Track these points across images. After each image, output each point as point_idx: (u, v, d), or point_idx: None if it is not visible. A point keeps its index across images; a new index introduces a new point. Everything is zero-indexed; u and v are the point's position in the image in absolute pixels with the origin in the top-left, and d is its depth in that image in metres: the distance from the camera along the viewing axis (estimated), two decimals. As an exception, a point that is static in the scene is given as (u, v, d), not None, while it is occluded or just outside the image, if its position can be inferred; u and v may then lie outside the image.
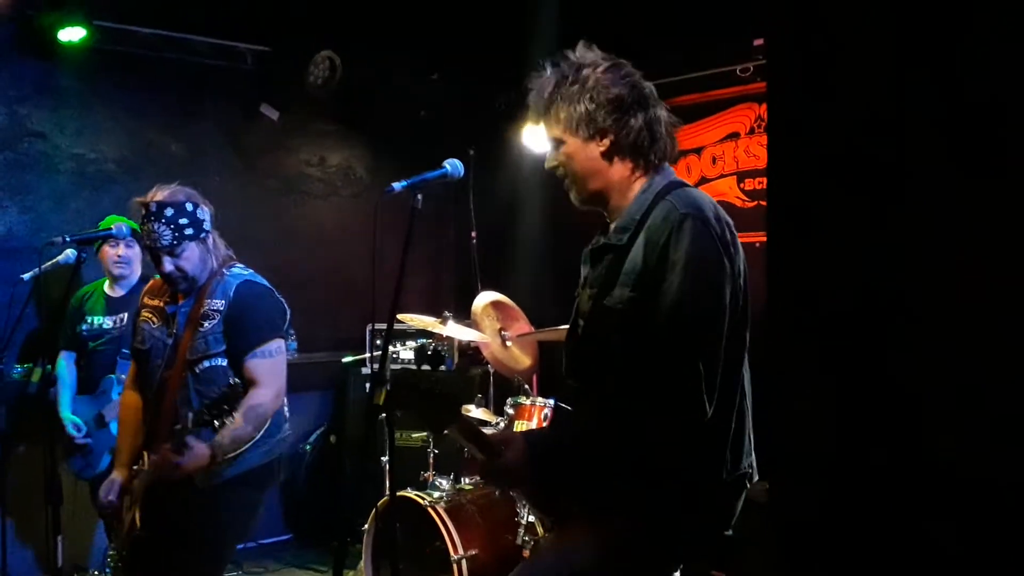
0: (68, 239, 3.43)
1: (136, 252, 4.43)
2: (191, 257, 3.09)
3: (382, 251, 2.63)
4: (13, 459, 4.53)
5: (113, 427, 4.16)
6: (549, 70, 2.38)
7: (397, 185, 2.59)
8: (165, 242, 3.04)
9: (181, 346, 3.09)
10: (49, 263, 4.28)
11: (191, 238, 3.08)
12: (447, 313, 4.71)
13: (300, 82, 5.88)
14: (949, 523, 1.51)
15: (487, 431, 2.51)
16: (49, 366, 3.33)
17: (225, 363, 3.08)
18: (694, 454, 2.22)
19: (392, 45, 6.06)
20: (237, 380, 2.98)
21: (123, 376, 4.22)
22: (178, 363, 3.07)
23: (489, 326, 4.78)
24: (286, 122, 6.19)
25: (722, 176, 5.45)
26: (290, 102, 6.11)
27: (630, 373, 2.20)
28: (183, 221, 3.07)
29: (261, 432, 3.10)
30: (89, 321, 4.43)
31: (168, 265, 3.07)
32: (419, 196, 2.61)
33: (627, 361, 2.21)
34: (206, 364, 3.06)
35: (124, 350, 4.20)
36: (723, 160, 5.45)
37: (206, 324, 3.08)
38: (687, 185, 2.36)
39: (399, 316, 4.57)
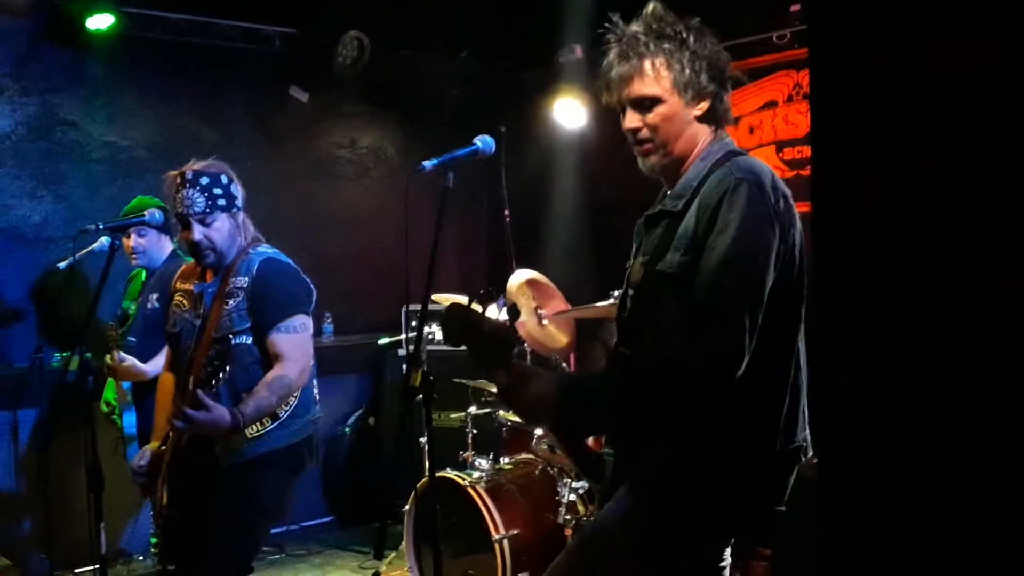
0: (101, 226, 3.43)
1: (150, 239, 4.30)
2: (221, 228, 3.08)
3: (415, 231, 2.58)
4: (57, 447, 4.56)
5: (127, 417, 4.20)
6: (635, 25, 2.29)
7: (428, 163, 2.55)
8: (198, 208, 3.04)
9: (208, 325, 3.09)
10: (84, 251, 4.29)
11: (223, 209, 3.08)
12: (482, 291, 4.65)
13: (329, 64, 5.86)
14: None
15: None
16: (88, 354, 3.33)
17: (250, 341, 3.07)
18: (745, 423, 2.17)
19: (420, 24, 6.00)
20: (247, 329, 3.03)
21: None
22: (204, 341, 3.07)
23: (525, 304, 4.73)
24: (315, 104, 6.17)
25: (760, 146, 5.35)
26: (319, 84, 6.09)
27: (666, 335, 2.16)
28: (217, 191, 3.07)
29: (286, 407, 3.09)
30: (125, 307, 4.44)
31: (198, 233, 3.06)
32: (450, 174, 2.57)
33: (676, 323, 2.15)
34: (232, 341, 3.05)
35: (131, 338, 4.16)
36: (761, 129, 5.35)
37: (231, 302, 3.07)
38: (745, 153, 2.31)
39: (433, 297, 4.53)
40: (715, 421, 2.16)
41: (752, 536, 2.31)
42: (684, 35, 2.25)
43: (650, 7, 2.30)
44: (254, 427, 3.03)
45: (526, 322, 4.80)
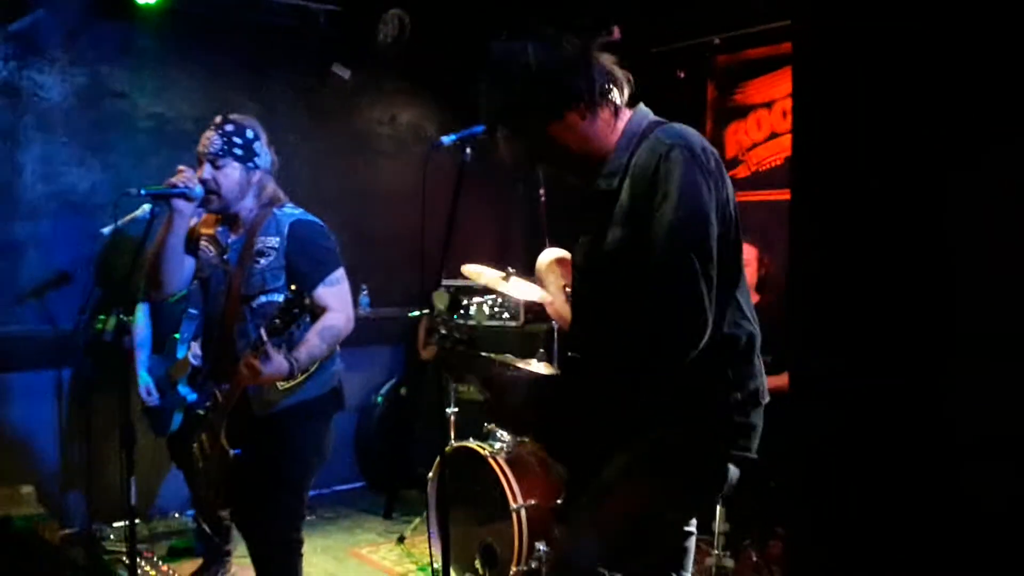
0: (143, 192, 3.51)
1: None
2: (230, 175, 3.22)
3: (447, 209, 2.65)
4: (96, 406, 4.74)
5: (181, 388, 4.33)
6: (484, 86, 2.38)
7: (446, 139, 2.63)
8: (213, 149, 3.20)
9: (234, 281, 3.23)
10: (127, 218, 4.44)
11: (236, 158, 3.22)
12: (511, 269, 4.74)
13: (371, 41, 5.96)
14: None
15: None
16: (125, 316, 3.47)
17: (281, 298, 3.19)
18: (702, 375, 2.25)
19: (461, 1, 6.08)
20: (293, 286, 3.09)
21: (186, 336, 4.36)
22: (233, 298, 3.21)
23: (554, 283, 4.77)
24: (357, 81, 6.30)
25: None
26: (361, 61, 6.21)
27: (630, 305, 2.22)
28: (236, 140, 3.23)
29: (334, 352, 3.28)
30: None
31: (207, 172, 3.21)
32: (468, 150, 2.64)
33: (627, 296, 2.23)
34: (263, 299, 3.21)
35: (191, 310, 4.32)
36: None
37: (262, 261, 3.22)
38: (665, 121, 2.36)
39: (463, 270, 4.63)
40: (684, 379, 2.25)
41: (730, 490, 2.40)
42: (522, 64, 2.28)
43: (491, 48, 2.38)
44: (285, 381, 3.19)
45: (555, 300, 4.87)
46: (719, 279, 2.20)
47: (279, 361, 3.04)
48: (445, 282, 6.16)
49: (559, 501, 2.55)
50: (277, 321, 2.97)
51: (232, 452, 3.16)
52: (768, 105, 5.49)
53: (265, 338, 2.98)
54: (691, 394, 2.27)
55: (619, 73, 2.37)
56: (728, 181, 2.29)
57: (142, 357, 4.59)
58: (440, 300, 2.44)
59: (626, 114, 2.38)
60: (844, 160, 1.54)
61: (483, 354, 2.55)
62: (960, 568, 1.47)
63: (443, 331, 2.43)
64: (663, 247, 2.17)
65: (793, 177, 1.69)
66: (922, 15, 1.43)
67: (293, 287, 3.08)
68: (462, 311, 5.80)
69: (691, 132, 2.30)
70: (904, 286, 1.53)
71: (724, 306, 2.26)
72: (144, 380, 4.55)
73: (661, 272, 2.18)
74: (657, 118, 2.39)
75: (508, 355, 4.55)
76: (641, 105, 2.42)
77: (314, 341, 3.17)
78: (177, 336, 4.44)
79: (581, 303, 2.48)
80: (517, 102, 2.31)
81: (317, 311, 3.23)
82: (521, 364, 4.19)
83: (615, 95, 2.36)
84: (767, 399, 2.38)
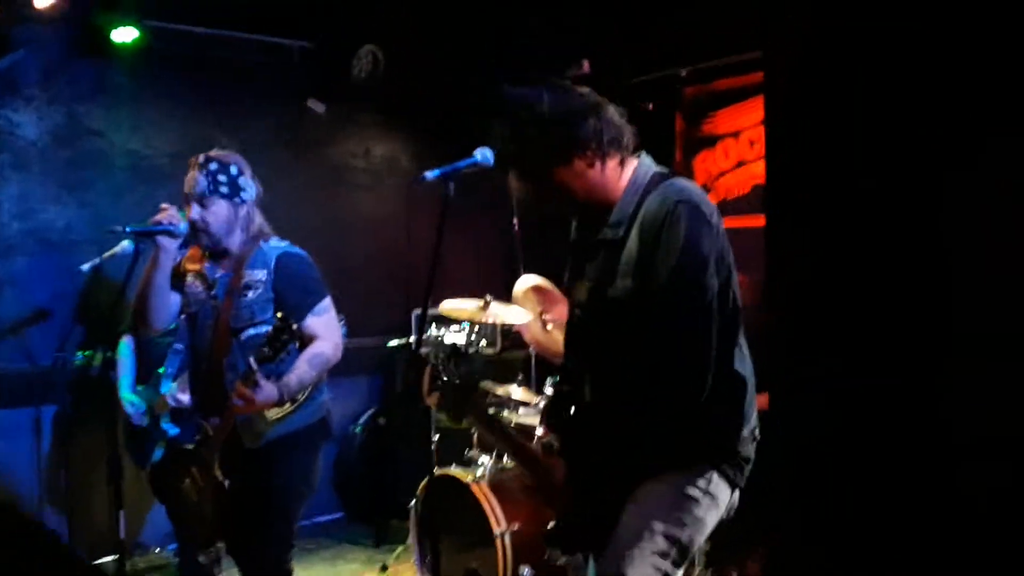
0: (128, 229, 3.55)
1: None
2: (217, 213, 3.27)
3: (428, 238, 2.73)
4: (78, 441, 4.75)
5: (163, 422, 4.35)
6: (496, 128, 2.50)
7: (429, 174, 2.69)
8: (198, 189, 3.25)
9: (222, 315, 3.28)
10: (108, 254, 4.46)
11: (223, 196, 3.27)
12: (489, 297, 4.82)
13: (345, 76, 6.05)
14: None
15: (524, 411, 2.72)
16: (110, 352, 3.51)
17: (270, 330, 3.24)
18: (718, 412, 2.41)
19: (433, 36, 6.19)
20: (280, 314, 3.14)
21: (170, 371, 4.39)
22: (221, 331, 3.26)
23: (531, 310, 4.86)
24: (332, 115, 6.38)
25: (760, 159, 5.49)
26: (335, 95, 6.28)
27: (634, 353, 2.36)
28: (221, 178, 3.27)
29: (302, 393, 3.29)
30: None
31: (195, 212, 3.26)
32: (451, 184, 2.71)
33: (631, 343, 2.38)
34: (251, 332, 3.24)
35: (177, 345, 4.35)
36: (761, 143, 5.50)
37: (250, 294, 3.26)
38: (671, 174, 2.50)
39: (441, 308, 4.72)
40: (699, 419, 2.40)
41: (731, 515, 2.57)
42: (534, 112, 2.40)
43: (506, 92, 2.49)
44: (276, 411, 3.24)
45: (531, 326, 4.94)
46: (723, 323, 2.35)
47: (270, 389, 3.09)
48: (429, 311, 6.23)
49: (550, 526, 2.62)
50: (266, 350, 3.03)
51: (226, 483, 3.19)
52: (735, 135, 5.62)
53: (255, 367, 3.03)
54: (703, 428, 2.42)
55: (626, 125, 2.49)
56: (724, 233, 2.43)
57: (125, 380, 4.61)
58: (442, 349, 2.58)
59: (631, 164, 2.50)
60: (829, 162, 1.63)
61: (480, 385, 2.64)
62: (955, 567, 1.54)
63: (444, 377, 2.53)
64: (668, 293, 2.32)
65: (771, 185, 1.78)
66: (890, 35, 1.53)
67: (280, 315, 3.13)
68: (441, 338, 5.87)
69: (694, 188, 2.43)
70: (898, 288, 1.61)
71: (731, 346, 2.41)
72: (127, 398, 4.57)
73: (666, 317, 2.32)
74: (660, 169, 2.52)
75: (489, 383, 4.63)
76: (644, 154, 2.54)
77: (303, 368, 3.22)
78: (162, 371, 4.47)
79: (577, 340, 2.61)
80: (528, 145, 2.42)
81: (306, 340, 3.28)
82: (500, 390, 4.26)
83: (622, 146, 2.48)
84: (759, 437, 2.54)
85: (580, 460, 2.55)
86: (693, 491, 2.43)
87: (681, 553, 2.44)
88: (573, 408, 2.59)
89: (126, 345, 4.65)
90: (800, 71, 1.56)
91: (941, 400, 1.50)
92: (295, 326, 3.08)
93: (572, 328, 2.64)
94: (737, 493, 2.53)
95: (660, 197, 2.38)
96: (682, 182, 2.45)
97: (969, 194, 1.40)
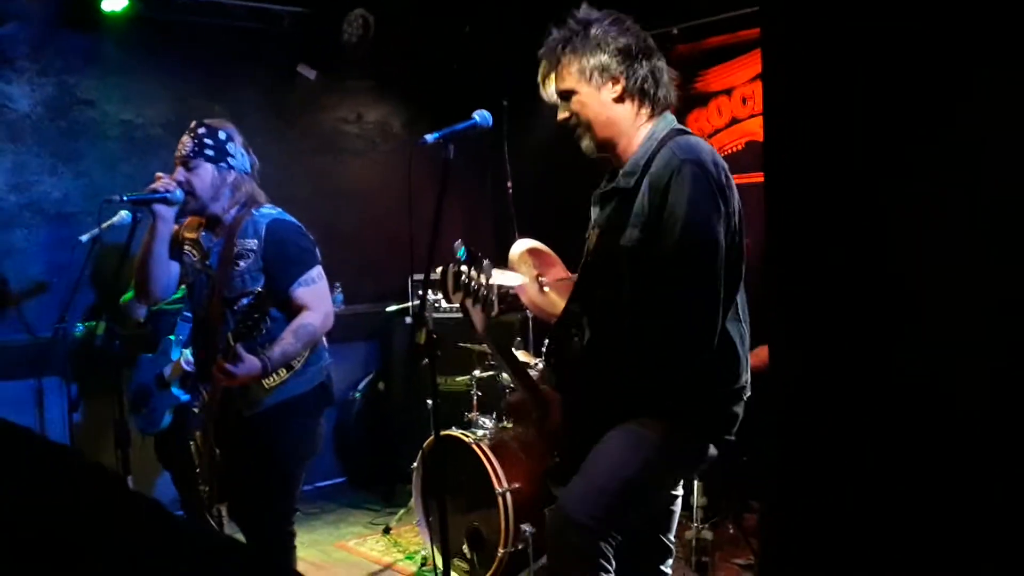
0: (125, 198, 3.57)
1: None
2: (203, 176, 3.27)
3: (421, 203, 2.77)
4: (80, 412, 4.79)
5: (174, 388, 4.39)
6: (555, 32, 2.58)
7: (429, 137, 2.73)
8: (185, 151, 3.27)
9: (217, 284, 3.30)
10: (106, 224, 4.49)
11: (208, 159, 3.28)
12: (486, 261, 4.85)
13: (336, 41, 6.03)
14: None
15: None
16: (112, 322, 3.53)
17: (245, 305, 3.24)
18: (707, 368, 2.48)
19: (423, 0, 6.16)
20: (261, 289, 3.18)
21: (181, 337, 4.42)
22: (216, 301, 3.28)
23: (527, 273, 4.89)
24: (323, 81, 6.36)
25: (752, 116, 5.51)
26: (326, 61, 6.26)
27: (640, 302, 2.44)
28: (208, 142, 3.28)
29: (308, 352, 3.32)
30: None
31: (180, 175, 3.27)
32: (451, 147, 2.74)
33: (636, 291, 2.46)
34: (244, 301, 3.24)
35: (186, 312, 4.38)
36: (753, 100, 5.51)
37: (242, 263, 3.26)
38: (687, 132, 2.56)
39: (437, 273, 4.74)
40: (690, 375, 2.48)
41: (709, 470, 2.69)
42: (587, 30, 2.51)
43: (579, 9, 2.59)
44: (272, 378, 3.25)
45: (528, 289, 4.98)
46: (725, 284, 2.41)
47: (251, 362, 3.09)
48: (417, 276, 6.25)
49: (553, 458, 2.73)
50: (241, 327, 3.06)
51: (216, 452, 3.24)
52: (728, 92, 5.63)
53: (233, 342, 3.06)
54: (689, 383, 2.48)
55: (672, 88, 2.60)
56: (735, 192, 2.48)
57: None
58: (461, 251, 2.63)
59: (654, 119, 2.57)
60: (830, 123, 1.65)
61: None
62: (934, 553, 1.60)
63: (468, 281, 2.59)
64: (671, 259, 2.38)
65: (770, 145, 1.81)
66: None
67: (258, 290, 3.16)
68: (437, 305, 5.90)
69: (704, 147, 2.49)
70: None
71: (726, 307, 2.46)
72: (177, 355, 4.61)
73: (672, 282, 2.39)
74: (679, 126, 2.58)
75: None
76: (668, 113, 2.61)
77: (288, 340, 3.21)
78: (172, 337, 4.50)
79: (586, 284, 2.68)
80: (584, 49, 2.51)
81: (295, 309, 3.28)
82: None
83: (656, 100, 2.56)
84: (749, 394, 2.61)
85: (575, 398, 2.64)
86: (652, 436, 2.50)
87: (634, 493, 2.53)
88: (572, 347, 2.67)
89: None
90: (799, 22, 1.58)
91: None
92: (268, 302, 3.09)
93: (581, 272, 2.72)
94: (713, 448, 2.60)
95: (668, 153, 2.44)
96: (691, 139, 2.51)
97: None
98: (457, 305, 2.66)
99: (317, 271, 3.36)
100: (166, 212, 3.25)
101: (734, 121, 5.60)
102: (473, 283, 2.57)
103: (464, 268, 2.58)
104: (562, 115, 2.61)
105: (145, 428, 4.56)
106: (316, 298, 3.32)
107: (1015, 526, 1.52)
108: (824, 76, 1.68)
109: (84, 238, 4.57)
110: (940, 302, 1.61)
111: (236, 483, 3.30)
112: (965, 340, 1.57)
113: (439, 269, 2.70)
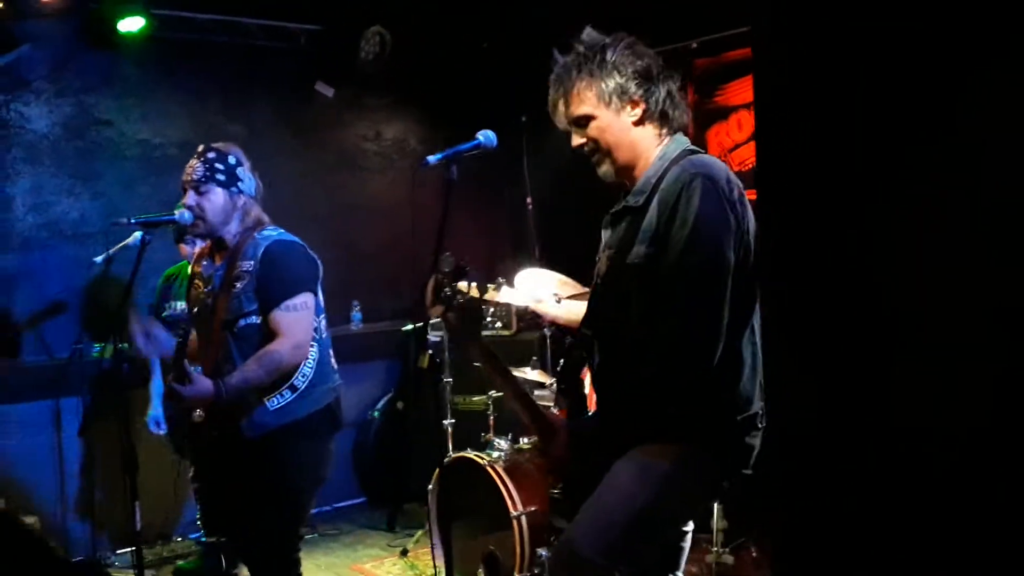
0: (133, 220, 3.55)
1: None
2: (214, 201, 3.25)
3: (436, 223, 2.70)
4: (98, 433, 4.78)
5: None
6: (563, 58, 2.53)
7: (432, 158, 2.68)
8: (195, 176, 3.24)
9: (218, 307, 3.25)
10: (118, 246, 4.49)
11: (219, 183, 3.25)
12: (500, 280, 4.80)
13: (353, 59, 6.02)
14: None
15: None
16: (124, 344, 3.51)
17: (258, 321, 3.22)
18: (711, 393, 2.38)
19: (440, 16, 6.14)
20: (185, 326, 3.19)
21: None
22: (216, 323, 3.24)
23: (543, 293, 4.85)
24: (340, 98, 6.35)
25: (750, 140, 5.43)
26: (344, 78, 6.25)
27: (644, 317, 2.37)
28: (218, 166, 3.26)
29: (302, 378, 3.24)
30: (172, 306, 4.62)
31: (191, 199, 3.25)
32: (453, 168, 2.69)
33: (642, 311, 2.38)
34: (242, 323, 3.20)
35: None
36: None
37: (239, 285, 3.22)
38: (700, 151, 2.52)
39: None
40: (694, 395, 2.38)
41: (726, 499, 2.57)
42: (602, 54, 2.46)
43: (583, 34, 2.53)
44: (275, 399, 3.19)
45: (546, 307, 4.93)
46: (736, 303, 2.33)
47: (202, 384, 3.04)
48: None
49: (555, 492, 2.66)
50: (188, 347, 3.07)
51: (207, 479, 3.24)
52: (748, 106, 5.55)
53: (185, 363, 3.02)
54: (694, 403, 2.39)
55: (685, 108, 2.56)
56: (749, 210, 2.41)
57: (156, 387, 4.66)
58: (447, 264, 2.54)
59: (667, 139, 2.53)
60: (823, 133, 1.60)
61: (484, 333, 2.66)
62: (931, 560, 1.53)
63: (448, 292, 2.49)
64: (678, 267, 2.31)
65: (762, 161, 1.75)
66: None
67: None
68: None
69: (717, 164, 2.43)
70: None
71: (741, 328, 2.38)
72: (151, 416, 4.63)
73: (674, 293, 2.32)
74: (691, 147, 2.53)
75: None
76: (681, 134, 2.56)
77: (252, 366, 3.12)
78: None
79: (596, 308, 2.62)
80: (602, 73, 2.46)
81: (270, 334, 3.19)
82: (515, 371, 4.24)
83: (671, 120, 2.52)
84: (765, 424, 2.48)
85: (584, 423, 2.58)
86: (663, 468, 2.41)
87: (644, 527, 2.43)
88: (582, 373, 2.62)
89: None
90: (794, 22, 1.54)
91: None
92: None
93: (592, 296, 2.67)
94: (726, 482, 2.51)
95: (679, 170, 2.40)
96: (705, 157, 2.47)
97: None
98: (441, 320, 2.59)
99: (304, 299, 3.23)
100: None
101: (753, 138, 5.52)
102: (460, 297, 2.49)
103: (445, 280, 2.51)
104: (577, 141, 2.56)
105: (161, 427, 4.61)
106: (291, 326, 3.19)
107: (1016, 533, 1.45)
108: (824, 76, 1.62)
109: (98, 259, 4.58)
110: (940, 307, 1.54)
111: (238, 508, 3.24)
112: (966, 345, 1.51)
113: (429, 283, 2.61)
